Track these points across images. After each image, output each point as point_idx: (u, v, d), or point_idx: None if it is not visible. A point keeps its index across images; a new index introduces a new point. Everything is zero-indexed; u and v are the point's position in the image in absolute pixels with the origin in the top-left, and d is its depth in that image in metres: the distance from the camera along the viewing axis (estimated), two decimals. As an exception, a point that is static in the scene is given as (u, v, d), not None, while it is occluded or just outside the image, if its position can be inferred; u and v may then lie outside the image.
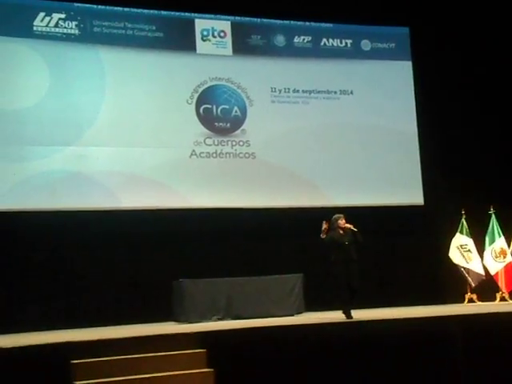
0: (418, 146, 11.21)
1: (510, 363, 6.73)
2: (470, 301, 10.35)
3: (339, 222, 8.07)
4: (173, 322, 8.86)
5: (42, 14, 9.70)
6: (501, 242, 10.47)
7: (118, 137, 9.94)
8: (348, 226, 8.03)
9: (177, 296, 9.01)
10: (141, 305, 9.27)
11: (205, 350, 6.19)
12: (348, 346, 6.50)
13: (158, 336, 6.59)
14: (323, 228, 8.00)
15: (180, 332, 6.87)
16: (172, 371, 5.98)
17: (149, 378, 5.89)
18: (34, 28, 9.67)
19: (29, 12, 9.67)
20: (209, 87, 10.49)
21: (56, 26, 9.78)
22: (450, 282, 10.62)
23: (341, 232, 8.04)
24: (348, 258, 7.94)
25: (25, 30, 9.60)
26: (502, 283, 10.35)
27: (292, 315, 9.08)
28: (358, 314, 7.87)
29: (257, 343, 6.35)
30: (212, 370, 6.04)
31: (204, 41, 10.52)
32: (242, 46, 10.70)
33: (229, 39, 10.63)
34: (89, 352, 5.97)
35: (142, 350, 6.15)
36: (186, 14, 10.49)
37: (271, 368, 6.23)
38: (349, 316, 7.74)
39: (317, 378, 6.34)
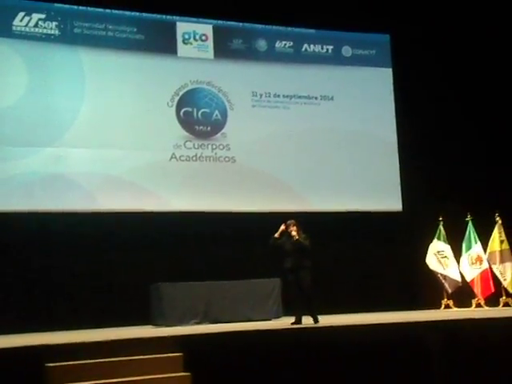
0: (397, 153, 11.31)
1: (485, 369, 6.79)
2: (447, 307, 10.43)
3: (288, 229, 7.90)
4: (150, 326, 8.81)
5: (21, 14, 9.64)
6: (477, 248, 10.56)
7: (97, 138, 9.88)
8: (293, 233, 7.84)
9: (155, 299, 8.95)
10: (118, 308, 9.20)
11: (181, 354, 6.16)
12: (325, 350, 6.50)
13: (135, 339, 6.54)
14: (280, 229, 7.90)
15: (156, 336, 6.82)
16: (148, 375, 5.93)
17: (125, 381, 5.83)
18: (14, 28, 9.60)
19: (8, 11, 9.61)
20: (190, 90, 10.48)
21: (36, 26, 9.71)
22: (426, 288, 10.70)
23: (293, 240, 7.86)
24: (296, 265, 7.80)
25: (4, 30, 9.54)
26: (477, 289, 10.43)
27: (270, 319, 9.08)
28: (335, 320, 7.89)
29: (234, 347, 6.33)
30: (189, 373, 6.01)
31: (185, 44, 10.52)
32: (224, 49, 10.72)
33: (210, 43, 10.64)
34: (64, 355, 5.90)
35: (118, 353, 6.08)
36: (168, 16, 10.49)
37: (248, 372, 6.22)
38: (298, 322, 7.70)
39: (293, 382, 6.34)
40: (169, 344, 6.32)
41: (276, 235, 7.97)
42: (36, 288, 9.17)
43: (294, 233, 7.86)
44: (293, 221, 7.99)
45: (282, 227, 7.95)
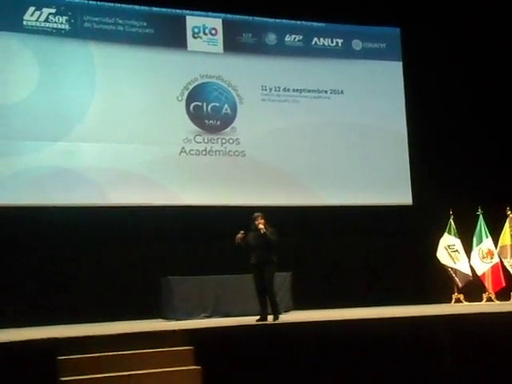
0: (407, 146, 11.27)
1: (495, 363, 6.77)
2: (457, 301, 10.40)
3: (255, 222, 7.70)
4: (161, 320, 8.84)
5: (32, 9, 9.65)
6: (488, 242, 10.52)
7: (107, 133, 9.90)
8: (260, 226, 7.62)
9: (165, 293, 8.99)
10: (129, 302, 9.23)
11: (192, 348, 6.18)
12: (335, 344, 6.51)
13: (146, 333, 6.58)
14: (238, 236, 7.64)
15: (167, 329, 6.85)
16: (159, 368, 5.96)
17: (136, 374, 5.86)
18: (24, 22, 9.62)
19: (19, 6, 9.62)
20: (199, 84, 10.48)
21: (46, 20, 9.73)
22: (437, 282, 10.67)
23: (260, 233, 7.63)
24: (260, 260, 7.60)
25: (15, 25, 9.55)
26: (488, 284, 10.40)
27: (280, 313, 9.07)
28: (346, 313, 7.89)
29: (244, 341, 6.35)
30: (199, 367, 6.03)
31: (195, 38, 10.51)
32: (233, 43, 10.70)
33: (220, 37, 10.62)
34: (75, 348, 5.94)
35: (129, 346, 6.11)
36: (178, 10, 10.48)
37: (258, 366, 6.23)
38: (263, 319, 7.49)
39: (304, 375, 6.35)
40: (179, 337, 6.35)
41: (238, 241, 7.65)
42: (47, 282, 9.21)
43: (261, 226, 7.64)
44: (260, 214, 7.80)
45: (240, 235, 7.65)
